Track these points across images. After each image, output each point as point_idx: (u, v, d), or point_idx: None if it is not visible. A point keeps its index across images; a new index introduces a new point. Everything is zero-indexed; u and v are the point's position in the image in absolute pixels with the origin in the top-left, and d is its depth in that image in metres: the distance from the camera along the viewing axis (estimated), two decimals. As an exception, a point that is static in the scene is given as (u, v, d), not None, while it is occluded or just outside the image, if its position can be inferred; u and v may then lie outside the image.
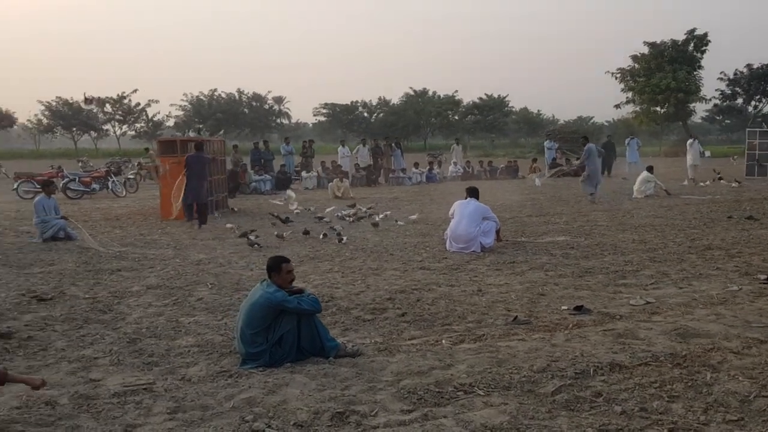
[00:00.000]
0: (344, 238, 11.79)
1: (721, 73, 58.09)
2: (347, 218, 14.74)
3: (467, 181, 27.75)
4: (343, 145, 27.35)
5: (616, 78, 58.30)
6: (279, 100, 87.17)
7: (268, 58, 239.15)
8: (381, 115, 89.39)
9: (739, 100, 58.68)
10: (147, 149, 32.48)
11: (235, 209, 17.33)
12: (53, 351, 5.77)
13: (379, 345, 5.77)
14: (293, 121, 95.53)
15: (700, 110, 65.21)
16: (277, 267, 5.48)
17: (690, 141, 27.99)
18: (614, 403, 4.37)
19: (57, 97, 73.74)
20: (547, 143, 32.00)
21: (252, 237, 11.68)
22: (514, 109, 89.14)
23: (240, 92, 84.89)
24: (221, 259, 10.27)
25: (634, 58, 58.14)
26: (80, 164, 33.82)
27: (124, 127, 77.94)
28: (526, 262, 9.50)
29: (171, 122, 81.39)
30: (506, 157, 43.90)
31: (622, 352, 5.35)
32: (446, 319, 6.57)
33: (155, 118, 79.00)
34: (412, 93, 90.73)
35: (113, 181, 22.14)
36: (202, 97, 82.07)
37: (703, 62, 55.32)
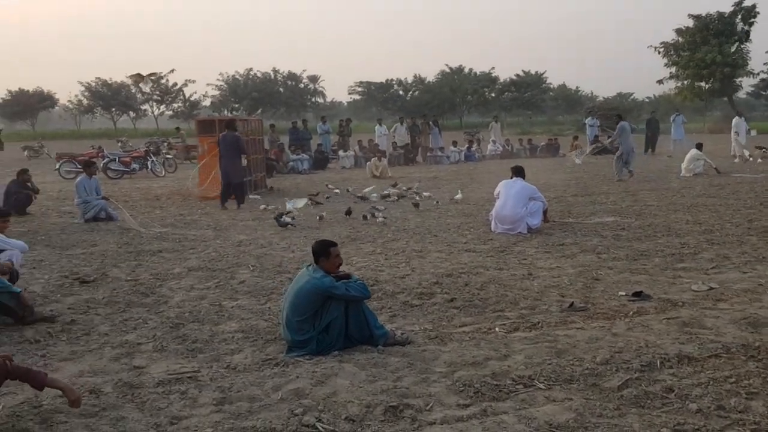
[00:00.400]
0: (380, 216, 11.58)
1: (769, 46, 55.94)
2: (390, 197, 14.46)
3: (507, 159, 27.28)
4: (381, 124, 27.01)
5: (659, 53, 56.69)
6: (314, 78, 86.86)
7: (303, 36, 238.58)
8: (416, 93, 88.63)
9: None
10: (178, 129, 32.55)
11: (273, 188, 17.21)
12: (96, 336, 5.66)
13: (428, 332, 5.53)
14: (328, 100, 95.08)
15: (745, 85, 63.07)
16: (325, 251, 5.25)
17: (736, 119, 27.08)
18: (688, 399, 4.06)
19: (96, 77, 74.77)
20: (588, 120, 31.26)
21: (287, 218, 11.41)
22: (551, 86, 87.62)
23: (275, 71, 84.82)
24: (262, 240, 10.12)
25: (679, 31, 56.41)
26: (120, 144, 34.14)
27: (162, 107, 78.66)
28: (576, 244, 9.14)
29: (207, 102, 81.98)
30: (545, 135, 43.17)
31: (689, 343, 5.02)
32: (497, 304, 6.29)
33: (192, 98, 79.56)
34: (447, 70, 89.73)
35: (152, 161, 22.19)
36: (238, 77, 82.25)
37: (751, 35, 53.48)
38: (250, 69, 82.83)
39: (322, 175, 21.71)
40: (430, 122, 27.39)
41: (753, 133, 29.38)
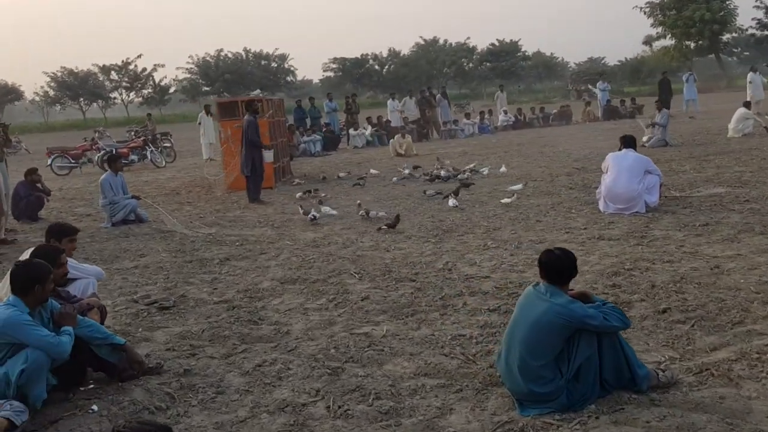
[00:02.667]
0: (452, 200, 10.18)
1: (757, 0, 55.23)
2: (464, 173, 12.97)
3: (520, 130, 26.03)
4: (393, 98, 25.38)
5: (644, 13, 55.84)
6: (282, 57, 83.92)
7: (273, 15, 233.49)
8: (392, 67, 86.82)
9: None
10: (149, 115, 30.54)
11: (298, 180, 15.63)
12: (235, 395, 4.17)
13: (680, 363, 4.15)
14: (299, 78, 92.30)
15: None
16: (569, 266, 3.80)
17: (750, 74, 26.04)
18: None
19: (62, 67, 71.72)
20: (599, 84, 29.96)
21: (317, 212, 9.87)
22: (527, 54, 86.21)
23: (247, 51, 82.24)
24: (336, 236, 8.65)
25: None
26: (97, 135, 31.92)
27: (132, 95, 75.91)
28: (720, 222, 7.81)
29: (174, 87, 79.25)
30: (556, 103, 41.84)
31: None
32: (727, 314, 4.91)
33: (162, 83, 76.87)
34: (422, 42, 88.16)
35: (152, 150, 20.41)
36: (208, 59, 79.58)
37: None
38: (221, 50, 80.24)
39: (338, 157, 20.18)
40: (439, 94, 25.85)
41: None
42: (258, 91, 16.30)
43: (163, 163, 20.66)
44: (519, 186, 11.33)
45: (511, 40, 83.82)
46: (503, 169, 13.23)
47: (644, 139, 16.35)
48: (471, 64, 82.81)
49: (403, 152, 18.70)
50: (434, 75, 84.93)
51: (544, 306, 3.71)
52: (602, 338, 3.73)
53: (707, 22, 51.44)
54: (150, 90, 75.47)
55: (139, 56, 73.33)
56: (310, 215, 9.61)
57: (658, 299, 5.31)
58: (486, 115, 26.30)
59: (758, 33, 56.59)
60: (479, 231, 8.41)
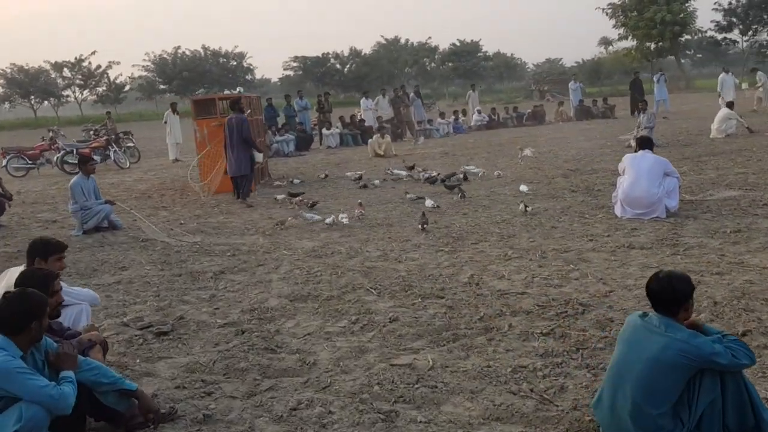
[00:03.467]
0: (431, 203, 9.56)
1: (715, 3, 56.15)
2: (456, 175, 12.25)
3: (494, 129, 25.63)
4: (367, 97, 24.63)
5: (606, 14, 56.18)
6: (240, 56, 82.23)
7: (231, 11, 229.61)
8: (353, 66, 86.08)
9: (735, 31, 56.83)
10: (108, 113, 29.24)
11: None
12: (274, 449, 3.45)
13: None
14: (257, 77, 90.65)
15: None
16: (686, 293, 3.17)
17: (722, 75, 26.15)
18: None
19: (11, 63, 69.11)
20: (571, 84, 29.71)
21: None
22: (488, 54, 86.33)
23: (205, 49, 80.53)
24: (337, 245, 7.93)
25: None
26: (51, 134, 30.45)
27: (85, 93, 73.61)
28: (751, 229, 7.34)
29: (130, 85, 77.12)
30: (527, 102, 41.66)
31: None
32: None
33: (117, 81, 74.72)
34: (383, 41, 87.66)
35: (116, 150, 19.30)
36: (165, 56, 77.64)
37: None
38: (178, 47, 78.40)
39: (313, 157, 19.40)
40: (412, 93, 25.24)
41: (745, 86, 28.47)
42: (240, 89, 15.42)
43: (128, 164, 19.57)
44: (525, 187, 10.83)
45: (472, 40, 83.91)
46: (497, 173, 12.68)
47: (633, 142, 15.96)
48: (433, 64, 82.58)
49: (382, 153, 18.03)
50: (396, 74, 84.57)
51: (661, 341, 3.08)
52: (726, 378, 3.12)
53: (668, 23, 51.93)
54: (105, 88, 73.25)
55: (93, 53, 70.69)
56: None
57: (729, 319, 4.75)
58: (460, 115, 25.79)
59: (717, 35, 57.44)
60: (493, 238, 7.79)
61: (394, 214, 9.69)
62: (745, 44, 58.28)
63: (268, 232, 8.98)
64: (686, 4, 53.43)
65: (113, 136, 20.14)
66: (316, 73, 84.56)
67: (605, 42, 71.90)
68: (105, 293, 6.46)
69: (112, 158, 19.19)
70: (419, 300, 5.69)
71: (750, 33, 56.02)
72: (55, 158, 18.97)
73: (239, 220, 10.02)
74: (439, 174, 12.52)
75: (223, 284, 6.60)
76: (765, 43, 55.25)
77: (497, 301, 5.52)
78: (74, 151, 18.70)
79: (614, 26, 55.78)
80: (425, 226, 8.35)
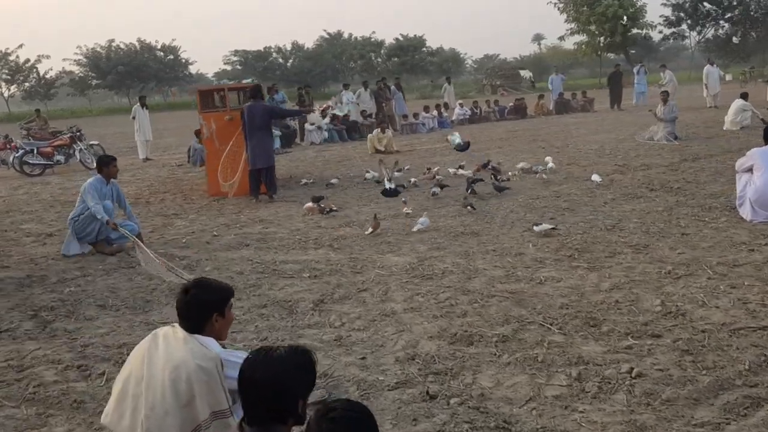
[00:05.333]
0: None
1: (665, -3, 56.83)
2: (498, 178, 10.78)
3: (477, 124, 24.53)
4: (347, 90, 23.06)
5: (558, 9, 56.20)
6: (173, 49, 78.90)
7: (168, 4, 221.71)
8: (296, 60, 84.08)
9: (683, 26, 57.70)
10: (38, 111, 26.76)
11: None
12: None
13: None
14: (193, 72, 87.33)
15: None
16: None
17: (707, 67, 25.82)
18: None
19: (-70, 56, 64.22)
20: (553, 77, 28.86)
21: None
22: (432, 49, 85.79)
23: (141, 42, 77.01)
24: (436, 261, 6.52)
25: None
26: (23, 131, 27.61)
27: (12, 88, 69.28)
28: None
29: (61, 80, 72.99)
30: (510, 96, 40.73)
31: None
32: None
33: (48, 76, 70.59)
34: (327, 36, 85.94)
35: (81, 149, 17.20)
36: (99, 50, 73.83)
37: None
38: (112, 41, 74.73)
39: (303, 155, 17.75)
40: (393, 86, 23.85)
41: (729, 77, 28.23)
42: (251, 79, 13.76)
43: (94, 164, 17.45)
44: (597, 177, 9.78)
45: (415, 35, 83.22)
46: (551, 164, 11.51)
47: (657, 136, 15.02)
48: (379, 59, 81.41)
49: (382, 148, 16.62)
50: (340, 69, 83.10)
51: None
52: None
53: (619, 18, 52.26)
54: (33, 83, 69.06)
55: (21, 46, 66.57)
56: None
57: None
58: (443, 109, 24.57)
59: (666, 30, 58.20)
60: (626, 250, 6.52)
61: (469, 220, 8.30)
62: (694, 39, 59.27)
63: (330, 243, 7.45)
64: (635, -1, 53.93)
65: (76, 134, 17.89)
66: (258, 68, 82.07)
67: (538, 38, 72.30)
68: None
69: (78, 158, 17.11)
70: (632, 340, 4.36)
71: (698, 28, 56.95)
72: (11, 158, 16.81)
73: (282, 228, 8.45)
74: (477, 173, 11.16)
75: (336, 319, 5.10)
76: (712, 38, 56.26)
77: (741, 341, 4.23)
78: (35, 150, 16.58)
79: (566, 21, 55.75)
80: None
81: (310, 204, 9.37)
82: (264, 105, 10.56)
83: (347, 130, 20.91)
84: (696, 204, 8.33)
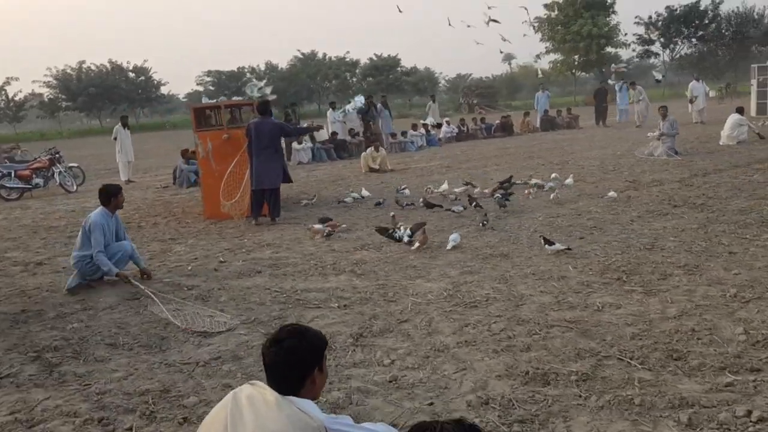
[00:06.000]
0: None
1: (636, 17, 57.55)
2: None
3: (465, 141, 24.25)
4: (334, 108, 22.58)
5: (533, 28, 56.54)
6: (143, 70, 77.98)
7: (140, 26, 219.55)
8: (271, 81, 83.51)
9: (657, 44, 58.42)
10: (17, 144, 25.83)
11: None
12: None
13: None
14: (165, 92, 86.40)
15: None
16: None
17: (693, 83, 25.88)
18: None
19: None
20: (539, 94, 28.72)
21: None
22: (406, 69, 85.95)
23: (112, 63, 76.02)
24: (472, 287, 6.00)
25: (547, 6, 56.62)
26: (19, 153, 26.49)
27: (-20, 111, 67.78)
28: None
29: (31, 102, 71.63)
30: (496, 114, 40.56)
31: None
32: None
33: (17, 98, 69.17)
34: (300, 56, 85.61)
35: (60, 172, 16.44)
36: (69, 71, 72.69)
37: (616, 6, 54.50)
38: (83, 62, 73.68)
39: (294, 174, 17.14)
40: (379, 104, 23.43)
41: (712, 94, 28.25)
42: (224, 98, 13.24)
43: (74, 187, 16.73)
44: (614, 193, 9.45)
45: (389, 54, 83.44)
46: (569, 180, 11.19)
47: (657, 152, 14.77)
48: (354, 79, 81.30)
49: (377, 167, 16.13)
50: (314, 89, 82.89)
51: None
52: None
53: (594, 37, 52.71)
54: (2, 105, 67.60)
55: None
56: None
57: None
58: (430, 127, 24.21)
59: (638, 48, 58.85)
60: (677, 271, 6.07)
61: (493, 241, 7.82)
62: (666, 56, 59.99)
63: (351, 269, 6.90)
64: (608, 18, 54.50)
65: (56, 155, 17.13)
66: (231, 88, 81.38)
67: (508, 58, 72.91)
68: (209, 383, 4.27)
69: (58, 181, 16.36)
70: (731, 376, 3.88)
71: (671, 46, 57.67)
72: (-14, 182, 15.98)
73: (293, 253, 7.87)
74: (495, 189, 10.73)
75: (383, 356, 4.55)
76: (684, 55, 57.01)
77: None
78: (12, 174, 15.80)
79: (541, 40, 56.11)
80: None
81: (317, 226, 8.84)
82: (273, 122, 10.02)
83: (335, 148, 20.43)
84: (729, 221, 7.95)
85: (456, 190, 11.25)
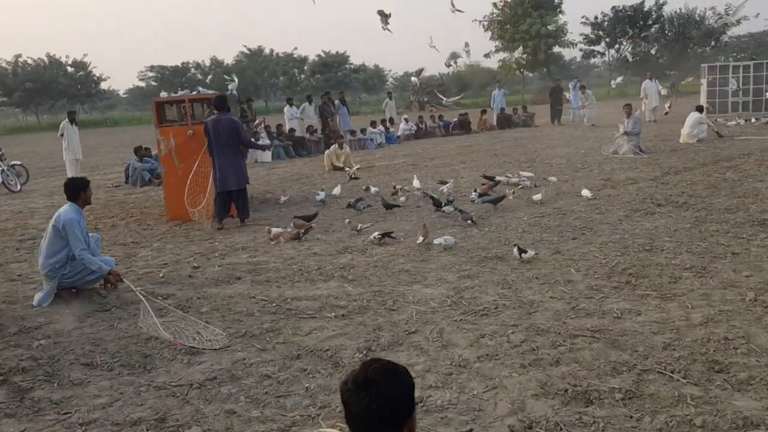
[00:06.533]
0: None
1: (583, 17, 58.42)
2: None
3: (424, 139, 23.97)
4: (291, 104, 21.92)
5: (483, 27, 56.83)
6: (83, 65, 75.31)
7: (78, 18, 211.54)
8: (216, 76, 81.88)
9: (602, 44, 59.38)
10: None
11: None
12: None
13: None
14: (103, 88, 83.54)
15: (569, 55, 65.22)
16: None
17: (646, 82, 26.22)
18: None
19: None
20: (495, 92, 28.63)
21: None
22: (354, 66, 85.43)
23: (50, 57, 73.14)
24: (475, 293, 5.64)
25: (495, 5, 56.98)
26: None
27: None
28: None
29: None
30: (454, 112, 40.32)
31: None
32: None
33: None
34: (247, 51, 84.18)
35: (4, 170, 15.44)
36: (4, 65, 69.64)
37: (563, 6, 55.23)
38: (19, 56, 70.66)
39: (256, 172, 16.53)
40: (338, 101, 22.94)
41: (663, 92, 28.59)
42: (166, 94, 12.53)
43: (18, 186, 15.74)
44: (588, 192, 9.33)
45: (337, 51, 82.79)
46: (552, 178, 11.01)
47: (622, 150, 14.74)
48: (303, 75, 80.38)
49: (341, 165, 15.66)
50: (262, 85, 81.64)
51: None
52: None
53: (542, 36, 53.26)
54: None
55: None
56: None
57: None
58: (388, 124, 23.84)
59: (585, 48, 59.76)
60: (687, 274, 5.85)
61: (483, 243, 7.49)
62: (611, 57, 61.09)
63: (340, 274, 6.46)
64: (556, 18, 55.17)
65: (-2, 153, 16.08)
66: (175, 84, 79.50)
67: (454, 57, 73.20)
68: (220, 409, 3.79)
69: (1, 180, 15.33)
70: None
71: (616, 46, 58.77)
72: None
73: (272, 257, 7.37)
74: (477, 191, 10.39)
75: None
76: (629, 55, 58.19)
77: None
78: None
79: (490, 38, 56.42)
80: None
81: (275, 229, 8.30)
82: (230, 119, 9.38)
83: (294, 146, 19.85)
84: (718, 220, 7.82)
85: (443, 189, 10.84)
